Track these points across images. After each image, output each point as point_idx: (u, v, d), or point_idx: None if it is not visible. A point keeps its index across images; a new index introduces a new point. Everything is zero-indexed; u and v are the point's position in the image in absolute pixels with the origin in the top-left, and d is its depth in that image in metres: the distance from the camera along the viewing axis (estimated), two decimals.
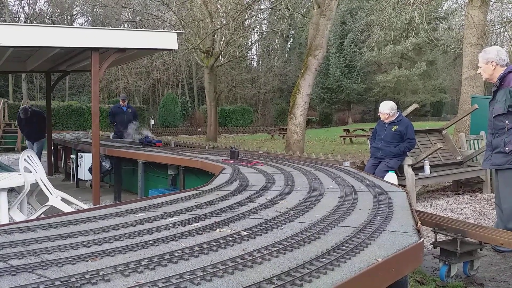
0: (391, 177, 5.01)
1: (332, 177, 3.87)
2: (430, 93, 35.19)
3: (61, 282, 1.37)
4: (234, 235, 1.94)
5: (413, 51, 32.97)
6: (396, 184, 3.91)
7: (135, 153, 6.51)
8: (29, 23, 28.00)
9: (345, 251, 1.73)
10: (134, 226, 2.13)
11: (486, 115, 4.06)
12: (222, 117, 30.89)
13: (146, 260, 1.59)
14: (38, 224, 2.12)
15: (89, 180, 7.13)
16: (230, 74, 33.66)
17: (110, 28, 11.14)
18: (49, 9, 33.30)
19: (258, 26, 34.07)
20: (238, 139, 22.53)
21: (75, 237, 1.92)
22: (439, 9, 29.68)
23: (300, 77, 11.02)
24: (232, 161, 5.07)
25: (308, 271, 1.51)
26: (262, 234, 2.00)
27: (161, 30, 10.83)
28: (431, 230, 3.27)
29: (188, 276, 1.44)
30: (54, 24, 28.87)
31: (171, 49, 7.82)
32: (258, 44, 39.14)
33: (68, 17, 34.17)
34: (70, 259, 1.60)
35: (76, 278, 1.40)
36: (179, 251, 1.70)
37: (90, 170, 6.72)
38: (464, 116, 7.75)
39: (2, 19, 28.07)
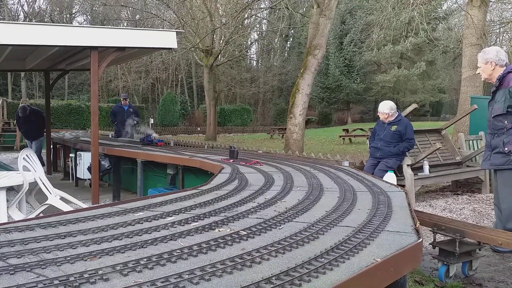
0: (390, 177, 5.01)
1: (331, 177, 3.87)
2: (429, 93, 35.22)
3: (59, 281, 1.37)
4: (233, 235, 1.94)
5: (413, 51, 32.99)
6: (395, 184, 3.92)
7: (134, 152, 6.51)
8: (28, 21, 27.95)
9: (344, 251, 1.73)
10: (133, 225, 2.13)
11: (485, 115, 4.06)
12: (222, 117, 30.88)
13: (145, 260, 1.59)
14: (37, 223, 2.11)
15: (88, 179, 7.13)
16: (229, 73, 33.65)
17: (109, 27, 11.15)
18: (48, 7, 33.29)
19: (257, 26, 34.06)
20: (237, 139, 22.53)
21: (74, 236, 1.91)
22: (439, 9, 29.68)
23: (300, 77, 11.02)
24: (231, 160, 5.06)
25: (307, 271, 1.51)
26: (261, 233, 2.00)
27: (160, 29, 10.82)
28: (430, 230, 3.27)
29: (187, 276, 1.44)
30: (53, 22, 28.84)
31: (171, 48, 7.81)
32: (258, 43, 39.16)
33: (67, 15, 34.12)
34: (68, 258, 1.60)
35: (75, 277, 1.40)
36: (178, 251, 1.70)
37: (89, 169, 6.72)
38: (463, 116, 7.76)
39: (1, 17, 28.03)
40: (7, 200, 4.65)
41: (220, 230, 2.06)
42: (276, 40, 37.22)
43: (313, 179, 3.66)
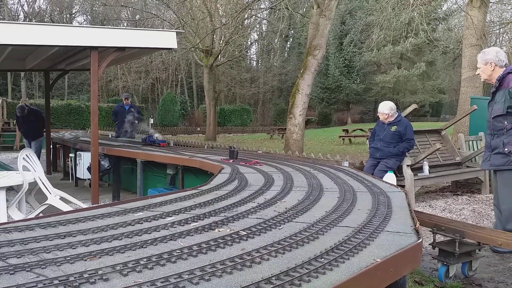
0: (390, 177, 5.02)
1: (331, 177, 3.87)
2: (429, 93, 35.23)
3: (59, 281, 1.37)
4: (233, 235, 1.94)
5: (413, 52, 33.00)
6: (395, 184, 3.92)
7: (134, 152, 6.50)
8: (28, 21, 27.95)
9: (343, 251, 1.73)
10: (133, 225, 2.13)
11: (485, 116, 4.06)
12: (221, 117, 30.88)
13: (145, 260, 1.59)
14: (37, 223, 2.11)
15: (88, 179, 7.12)
16: (229, 73, 33.65)
17: (109, 27, 11.15)
18: (48, 7, 33.29)
19: (257, 26, 34.09)
20: (237, 139, 22.53)
21: (74, 236, 1.91)
22: (439, 10, 29.68)
23: (300, 77, 11.02)
24: (231, 160, 5.06)
25: (307, 271, 1.51)
26: (261, 234, 2.00)
27: (160, 29, 10.83)
28: (430, 231, 3.27)
29: (187, 276, 1.44)
30: (53, 22, 28.84)
31: (171, 48, 7.82)
32: (258, 43, 39.15)
33: (67, 15, 34.12)
34: (68, 258, 1.60)
35: (75, 277, 1.40)
36: (177, 251, 1.70)
37: (89, 169, 6.71)
38: (463, 117, 7.76)
39: (1, 17, 28.03)
40: (7, 200, 4.65)
41: (220, 230, 2.06)
42: (276, 40, 37.23)
43: (313, 179, 3.66)
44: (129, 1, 24.19)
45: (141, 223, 2.17)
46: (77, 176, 7.72)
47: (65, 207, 4.76)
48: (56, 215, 2.35)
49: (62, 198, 5.00)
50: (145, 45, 6.22)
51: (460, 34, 14.75)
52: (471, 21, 10.10)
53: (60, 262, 1.56)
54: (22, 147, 11.79)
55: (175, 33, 6.34)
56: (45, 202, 4.86)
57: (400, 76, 32.64)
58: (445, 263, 3.10)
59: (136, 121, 9.80)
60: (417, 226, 2.18)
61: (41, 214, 4.27)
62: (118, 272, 1.48)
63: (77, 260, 1.59)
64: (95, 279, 1.40)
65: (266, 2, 25.70)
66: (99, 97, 24.07)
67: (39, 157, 6.55)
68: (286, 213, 2.42)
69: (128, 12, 29.83)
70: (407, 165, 5.62)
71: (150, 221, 2.21)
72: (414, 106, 6.61)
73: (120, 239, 1.88)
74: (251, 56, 41.05)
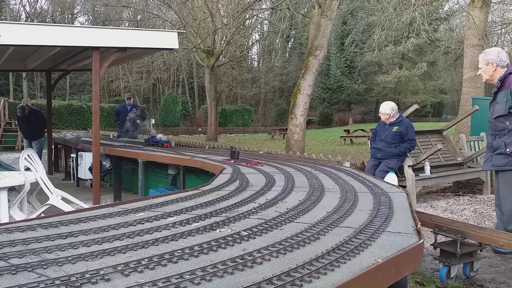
0: (391, 177, 5.01)
1: (332, 177, 3.87)
2: (430, 94, 35.19)
3: (61, 281, 1.37)
4: (234, 235, 1.94)
5: (414, 52, 32.97)
6: (396, 185, 3.91)
7: (136, 153, 6.51)
8: (30, 21, 28.00)
9: (345, 251, 1.73)
10: (134, 225, 2.13)
11: (486, 116, 4.06)
12: (223, 117, 30.89)
13: (146, 260, 1.59)
14: (38, 223, 2.12)
15: (89, 179, 7.13)
16: (230, 74, 33.67)
17: (111, 27, 11.16)
18: (50, 8, 33.34)
19: (259, 26, 34.09)
20: (239, 139, 22.53)
21: (75, 237, 1.92)
22: (440, 10, 29.67)
23: (301, 77, 11.02)
24: (232, 161, 5.07)
25: (308, 271, 1.51)
26: (262, 234, 2.01)
27: (162, 30, 10.83)
28: (431, 231, 3.27)
29: (188, 276, 1.44)
30: (55, 23, 28.90)
31: (172, 49, 7.83)
32: (259, 44, 39.16)
33: (69, 16, 34.19)
34: (70, 258, 1.60)
35: (76, 278, 1.40)
36: (179, 251, 1.71)
37: (90, 169, 6.72)
38: (464, 117, 7.75)
39: (3, 17, 28.08)
40: (9, 200, 4.66)
41: (221, 230, 2.06)
42: (277, 40, 37.25)
43: (314, 180, 3.66)
44: (131, 2, 24.21)
45: (143, 223, 2.17)
46: (78, 176, 7.73)
47: (66, 207, 4.77)
48: (58, 215, 2.35)
49: (63, 198, 5.01)
50: (147, 46, 6.23)
51: (462, 34, 14.73)
52: (472, 21, 10.09)
53: (62, 262, 1.57)
54: (24, 147, 11.81)
55: (176, 33, 6.35)
56: (47, 202, 4.87)
57: (401, 77, 32.60)
58: (446, 264, 3.10)
59: (139, 121, 9.77)
60: (418, 226, 2.18)
61: (42, 214, 4.28)
62: (119, 272, 1.48)
63: (78, 260, 1.60)
64: (97, 279, 1.40)
65: (267, 3, 25.72)
66: (101, 98, 24.13)
67: (40, 158, 6.56)
68: (287, 213, 2.42)
69: (130, 13, 29.87)
70: (409, 166, 5.61)
71: (151, 221, 2.21)
72: (415, 106, 6.60)
73: (121, 239, 1.88)
74: (253, 57, 41.07)
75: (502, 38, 29.13)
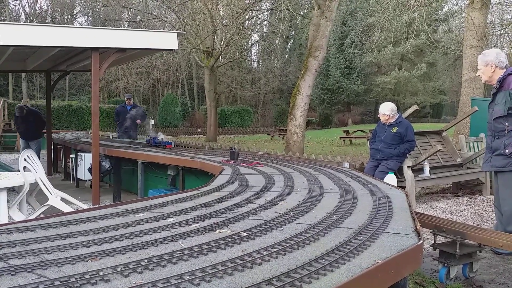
0: (391, 178, 5.00)
1: (332, 178, 3.87)
2: (430, 94, 35.23)
3: (60, 282, 1.37)
4: (234, 236, 1.94)
5: (413, 53, 33.00)
6: (396, 185, 3.91)
7: (135, 153, 6.51)
8: (29, 22, 28.00)
9: (344, 252, 1.73)
10: (134, 226, 2.13)
11: (486, 117, 4.06)
12: (222, 118, 30.90)
13: (146, 261, 1.59)
14: (38, 224, 2.12)
15: (89, 180, 7.13)
16: (230, 74, 33.68)
17: (110, 28, 11.14)
18: (49, 8, 33.33)
19: (258, 27, 34.11)
20: (238, 140, 22.54)
21: (75, 237, 1.92)
22: (440, 11, 29.72)
23: (300, 78, 11.03)
24: (232, 161, 5.07)
25: (308, 272, 1.51)
26: (262, 235, 2.01)
27: (161, 31, 10.84)
28: (431, 232, 3.27)
29: (188, 277, 1.44)
30: (54, 23, 28.89)
31: (172, 49, 7.83)
32: (258, 44, 39.19)
33: (69, 16, 34.20)
34: (69, 259, 1.60)
35: (76, 278, 1.40)
36: (178, 252, 1.71)
37: (89, 170, 6.72)
38: (464, 118, 7.76)
39: (2, 18, 28.07)
40: (8, 201, 4.65)
41: (221, 231, 2.06)
42: (276, 41, 37.26)
43: (314, 181, 3.66)
44: (130, 2, 24.22)
45: (142, 224, 2.17)
46: (78, 177, 7.73)
47: (66, 208, 4.77)
48: (57, 216, 2.35)
49: (63, 199, 5.01)
50: (146, 46, 6.23)
51: (461, 35, 14.75)
52: (471, 22, 10.10)
53: (61, 263, 1.57)
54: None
55: (176, 34, 6.35)
56: (46, 203, 4.86)
57: (400, 77, 32.64)
58: (446, 265, 3.10)
59: (139, 121, 9.73)
60: (417, 227, 2.18)
61: (42, 215, 4.28)
62: (119, 273, 1.48)
63: (78, 261, 1.60)
64: (96, 280, 1.40)
65: (267, 3, 25.73)
66: (100, 98, 24.05)
67: (38, 158, 6.55)
68: (286, 214, 2.42)
69: (129, 13, 29.88)
70: (408, 166, 5.61)
71: (151, 222, 2.21)
72: (414, 107, 6.61)
73: (121, 240, 1.88)
74: (252, 57, 41.13)
75: (501, 39, 29.17)
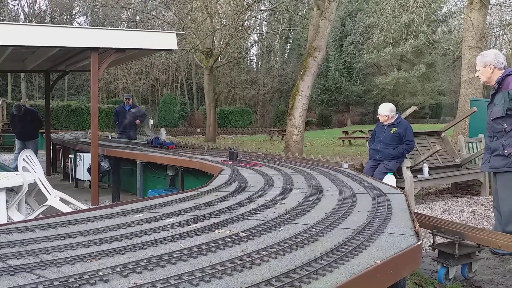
0: (390, 179, 5.01)
1: (331, 178, 3.87)
2: (429, 95, 35.28)
3: (59, 282, 1.37)
4: (233, 236, 1.94)
5: (412, 54, 33.05)
6: (395, 186, 3.92)
7: (134, 154, 6.50)
8: (28, 22, 27.98)
9: (343, 253, 1.73)
10: (133, 226, 2.13)
11: (484, 118, 4.07)
12: (221, 118, 30.90)
13: (145, 261, 1.59)
14: (37, 224, 2.11)
15: (88, 180, 7.12)
16: (229, 75, 33.68)
17: (109, 28, 11.14)
18: (48, 8, 33.31)
19: (257, 27, 34.12)
20: (237, 140, 22.54)
21: (74, 238, 1.91)
22: (439, 12, 29.77)
23: (300, 79, 11.03)
24: (231, 162, 5.07)
25: (307, 272, 1.51)
26: (261, 235, 2.01)
27: (160, 31, 10.83)
28: (430, 233, 3.27)
29: (187, 277, 1.44)
30: (53, 23, 28.86)
31: (171, 50, 7.82)
32: (258, 45, 39.20)
33: (68, 16, 34.16)
34: (68, 259, 1.60)
35: (75, 279, 1.40)
36: (177, 252, 1.70)
37: (88, 170, 6.71)
38: (463, 119, 7.77)
39: (1, 18, 28.04)
40: (7, 201, 4.65)
41: (220, 231, 2.06)
42: (276, 42, 37.27)
43: (313, 181, 3.66)
44: (130, 3, 24.21)
45: (141, 224, 2.17)
46: (77, 177, 7.72)
47: (65, 208, 4.76)
48: (56, 216, 2.35)
49: (62, 199, 5.00)
50: (145, 46, 6.22)
51: (460, 36, 14.77)
52: (470, 23, 10.12)
53: (60, 263, 1.56)
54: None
55: (175, 34, 6.35)
56: (45, 203, 4.86)
57: (400, 78, 32.68)
58: (444, 265, 3.10)
59: (138, 121, 9.68)
60: (417, 227, 2.18)
61: (41, 215, 4.27)
62: (118, 273, 1.48)
63: (77, 261, 1.60)
64: (95, 280, 1.40)
65: (266, 4, 25.75)
66: (99, 98, 24.08)
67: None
68: (286, 214, 2.42)
69: (129, 14, 29.86)
70: (407, 167, 5.62)
71: (150, 222, 2.21)
72: (414, 107, 6.62)
73: (120, 241, 1.88)
74: (251, 58, 41.13)
75: (500, 40, 29.20)
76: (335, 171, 4.46)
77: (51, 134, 10.37)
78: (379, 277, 1.65)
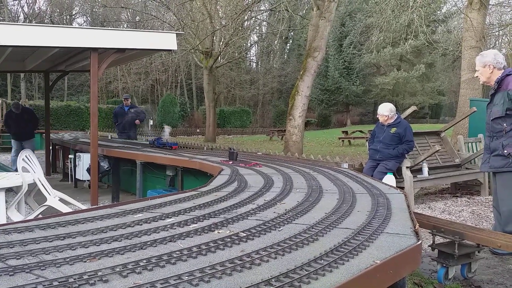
0: (390, 179, 5.01)
1: (331, 178, 3.87)
2: (428, 95, 35.31)
3: (59, 282, 1.37)
4: (233, 236, 1.94)
5: (412, 54, 33.07)
6: (394, 186, 3.92)
7: (134, 154, 6.50)
8: (28, 22, 27.97)
9: (343, 253, 1.73)
10: (132, 226, 2.12)
11: (484, 118, 4.07)
12: (221, 118, 30.90)
13: (144, 261, 1.59)
14: (36, 224, 2.11)
15: (87, 180, 7.12)
16: (229, 75, 33.69)
17: (109, 28, 11.14)
18: (48, 9, 33.30)
19: (257, 28, 34.13)
20: (237, 140, 22.54)
21: (73, 238, 1.91)
22: (438, 12, 29.80)
23: (299, 79, 11.03)
24: (231, 162, 5.06)
25: (307, 272, 1.51)
26: (261, 235, 2.00)
27: (160, 31, 10.83)
28: (429, 232, 3.28)
29: (186, 277, 1.44)
30: (53, 24, 28.86)
31: (170, 50, 7.81)
32: (257, 45, 39.21)
33: (67, 17, 34.16)
34: (68, 259, 1.60)
35: (74, 279, 1.40)
36: (177, 252, 1.70)
37: (88, 170, 6.71)
38: (462, 119, 7.77)
39: (1, 18, 28.03)
40: (6, 201, 4.64)
41: (220, 231, 2.06)
42: (275, 42, 37.27)
43: (313, 181, 3.66)
44: (129, 3, 24.23)
45: (141, 225, 2.16)
46: (76, 177, 7.71)
47: (64, 209, 4.76)
48: (56, 216, 2.35)
49: (61, 200, 5.00)
50: (145, 47, 6.22)
51: (460, 36, 14.78)
52: (470, 23, 10.13)
53: (60, 263, 1.56)
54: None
55: (175, 34, 6.35)
56: (44, 203, 4.85)
57: (399, 78, 32.70)
58: (444, 265, 3.10)
59: (137, 121, 9.67)
60: (416, 227, 2.18)
61: (40, 215, 4.27)
62: (117, 273, 1.48)
63: (76, 261, 1.59)
64: (95, 281, 1.40)
65: (266, 4, 25.75)
66: (99, 99, 24.08)
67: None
68: (285, 214, 2.42)
69: (128, 14, 29.87)
70: (407, 167, 5.62)
71: (149, 223, 2.21)
72: (413, 108, 6.62)
73: (119, 241, 1.88)
74: (251, 58, 41.13)
75: (500, 40, 29.22)
76: (335, 171, 4.46)
77: (50, 134, 10.36)
78: (378, 277, 1.65)
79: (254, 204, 2.71)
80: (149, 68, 31.60)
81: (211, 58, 20.22)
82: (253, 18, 26.34)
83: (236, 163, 4.93)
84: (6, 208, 4.55)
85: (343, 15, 34.28)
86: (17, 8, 31.98)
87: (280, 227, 2.15)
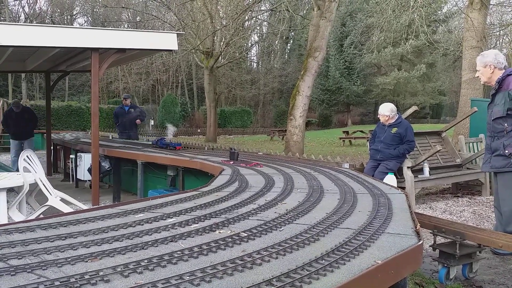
0: (391, 179, 5.01)
1: (332, 178, 3.87)
2: (429, 95, 35.27)
3: (60, 282, 1.37)
4: (234, 236, 1.94)
5: (413, 54, 33.03)
6: (395, 186, 3.92)
7: (135, 154, 6.50)
8: (29, 23, 28.00)
9: (344, 253, 1.73)
10: (134, 227, 2.13)
11: (485, 118, 4.07)
12: (222, 118, 30.91)
13: (146, 261, 1.59)
14: (38, 224, 2.12)
15: (88, 180, 7.12)
16: (230, 75, 33.70)
17: (110, 28, 11.15)
18: (49, 9, 33.32)
19: (258, 28, 34.13)
20: (238, 140, 22.54)
21: (75, 238, 1.92)
22: (439, 12, 29.78)
23: (300, 79, 11.03)
24: (232, 162, 5.07)
25: (308, 272, 1.51)
26: (262, 235, 2.01)
27: (161, 31, 10.84)
28: (430, 233, 3.27)
29: (188, 277, 1.44)
30: (54, 24, 28.88)
31: (171, 50, 7.82)
32: (258, 45, 39.20)
33: (68, 17, 34.19)
34: (69, 259, 1.60)
35: (76, 279, 1.40)
36: (178, 252, 1.70)
37: (89, 170, 6.71)
38: (463, 119, 7.77)
39: (2, 18, 28.06)
40: (8, 201, 4.65)
41: (221, 231, 2.06)
42: (276, 42, 37.27)
43: (314, 181, 3.66)
44: (130, 3, 24.24)
45: (142, 225, 2.17)
46: (77, 177, 7.72)
47: (65, 208, 4.76)
48: (57, 216, 2.35)
49: (62, 199, 5.00)
50: (146, 47, 6.22)
51: (460, 36, 14.76)
52: (471, 23, 10.12)
53: (61, 263, 1.56)
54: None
55: (175, 34, 6.35)
56: (46, 203, 4.86)
57: (400, 78, 32.67)
58: (445, 265, 3.10)
59: (138, 121, 9.65)
60: (417, 228, 2.18)
61: (41, 215, 4.28)
62: (119, 273, 1.48)
63: (78, 261, 1.60)
64: (96, 281, 1.40)
65: (266, 4, 25.74)
66: (100, 99, 24.06)
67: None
68: (286, 214, 2.42)
69: (129, 14, 29.89)
70: (408, 167, 5.62)
71: (150, 223, 2.21)
72: (414, 108, 6.61)
73: (120, 241, 1.88)
74: (252, 58, 41.15)
75: (501, 40, 29.16)
76: (336, 171, 4.46)
77: (51, 135, 10.37)
78: (380, 277, 1.65)
79: (255, 204, 2.71)
80: (150, 68, 31.62)
81: (212, 58, 20.23)
82: (254, 18, 26.34)
83: (237, 163, 4.93)
84: (8, 208, 4.56)
85: (344, 15, 34.27)
86: (18, 8, 32.04)
87: (281, 227, 2.15)
